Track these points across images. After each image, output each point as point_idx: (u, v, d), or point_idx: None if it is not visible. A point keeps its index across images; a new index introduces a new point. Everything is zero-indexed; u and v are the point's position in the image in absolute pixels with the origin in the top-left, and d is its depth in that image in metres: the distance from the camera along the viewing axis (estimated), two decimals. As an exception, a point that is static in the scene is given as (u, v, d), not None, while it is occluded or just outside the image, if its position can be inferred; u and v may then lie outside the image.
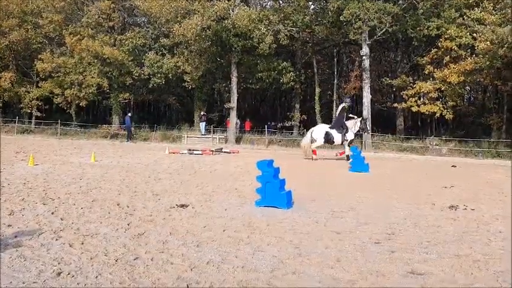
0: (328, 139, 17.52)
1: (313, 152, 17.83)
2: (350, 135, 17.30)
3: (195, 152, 19.39)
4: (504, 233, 6.12)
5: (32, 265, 4.27)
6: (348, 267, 4.53)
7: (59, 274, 4.06)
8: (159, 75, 30.09)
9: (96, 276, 4.04)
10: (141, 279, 4.02)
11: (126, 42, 30.70)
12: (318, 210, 7.40)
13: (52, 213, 6.58)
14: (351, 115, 18.01)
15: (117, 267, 4.30)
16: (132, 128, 29.89)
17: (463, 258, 4.89)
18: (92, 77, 30.26)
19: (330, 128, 17.79)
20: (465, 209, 7.85)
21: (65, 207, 7.04)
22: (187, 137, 29.41)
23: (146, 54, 30.63)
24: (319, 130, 18.00)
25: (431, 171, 15.06)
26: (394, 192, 9.71)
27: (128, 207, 7.25)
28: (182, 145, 26.11)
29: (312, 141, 17.80)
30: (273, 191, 7.46)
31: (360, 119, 17.84)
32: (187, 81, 29.82)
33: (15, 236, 5.23)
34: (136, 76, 30.83)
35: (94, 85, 30.37)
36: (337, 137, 17.31)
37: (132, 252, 4.81)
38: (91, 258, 4.54)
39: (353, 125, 17.39)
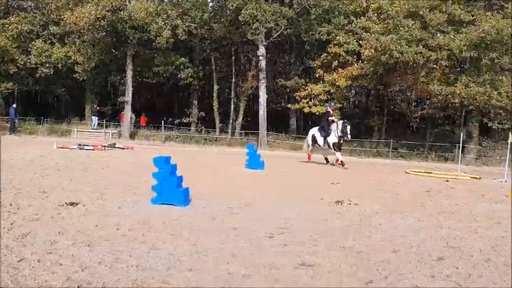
0: (314, 141, 17.25)
1: (308, 157, 17.84)
2: (332, 139, 16.43)
3: (85, 147, 18.41)
4: (383, 225, 6.73)
5: None
6: (243, 261, 4.67)
7: None
8: (47, 64, 28.00)
9: (-26, 282, 3.70)
10: (26, 282, 3.76)
11: (10, 27, 28.05)
12: (215, 207, 7.49)
13: None
14: (331, 118, 17.18)
15: (-1, 271, 3.98)
16: (16, 120, 27.51)
17: (348, 249, 5.30)
18: (-32, 63, 27.28)
19: (317, 130, 17.40)
20: (349, 204, 8.46)
21: None
22: (77, 131, 27.83)
23: (33, 42, 28.30)
24: (309, 133, 17.81)
25: (320, 168, 15.97)
26: (287, 189, 10.15)
27: (10, 205, 6.69)
28: (72, 140, 24.66)
29: (308, 145, 17.74)
30: (170, 188, 7.38)
31: (341, 122, 16.86)
32: (79, 72, 28.17)
33: None
34: (21, 65, 28.36)
35: (-29, 72, 27.41)
36: (319, 140, 16.89)
37: (16, 253, 4.47)
38: (-33, 263, 4.14)
39: (336, 127, 16.53)
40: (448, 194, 10.44)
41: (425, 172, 15.51)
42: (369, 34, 23.91)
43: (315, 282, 4.15)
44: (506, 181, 13.46)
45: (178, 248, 5.05)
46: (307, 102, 28.11)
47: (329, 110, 17.80)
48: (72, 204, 7.01)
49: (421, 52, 21.73)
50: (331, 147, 16.50)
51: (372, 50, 23.98)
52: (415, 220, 7.20)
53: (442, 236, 6.16)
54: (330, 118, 17.05)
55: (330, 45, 26.71)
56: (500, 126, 22.99)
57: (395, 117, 32.69)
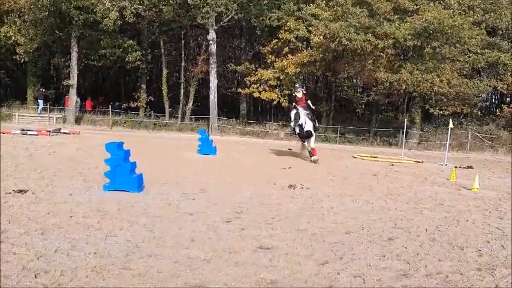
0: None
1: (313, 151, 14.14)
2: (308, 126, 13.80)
3: (29, 133, 17.62)
4: (334, 208, 6.98)
5: None
6: (202, 246, 4.73)
7: None
8: (-16, 45, 26.39)
9: None
10: (-21, 273, 3.64)
11: None
12: (170, 192, 7.47)
13: None
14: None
15: None
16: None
17: (303, 232, 5.48)
18: None
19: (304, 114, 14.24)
20: (302, 188, 8.69)
21: None
22: (19, 115, 26.53)
23: (-31, 21, 26.53)
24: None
25: (272, 153, 16.19)
26: (240, 174, 10.25)
27: (-48, 194, 6.37)
28: (13, 124, 23.50)
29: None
30: (123, 174, 7.28)
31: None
32: (20, 54, 26.71)
33: None
34: (-46, 45, 26.56)
35: None
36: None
37: (-36, 244, 4.30)
38: None
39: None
40: (394, 178, 10.94)
41: (371, 156, 16.11)
42: (318, 21, 24.23)
43: (274, 264, 4.28)
44: (446, 165, 14.23)
45: (136, 234, 5.03)
46: (257, 88, 28.21)
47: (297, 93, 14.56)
48: (20, 191, 6.76)
49: (369, 40, 22.31)
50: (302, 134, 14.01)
51: (321, 37, 24.34)
52: (364, 203, 7.52)
53: (391, 218, 6.49)
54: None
55: (281, 31, 26.85)
56: (441, 112, 24.12)
57: (342, 104, 33.50)
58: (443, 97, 23.80)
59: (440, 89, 22.46)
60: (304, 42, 27.55)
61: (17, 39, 26.22)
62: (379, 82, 24.30)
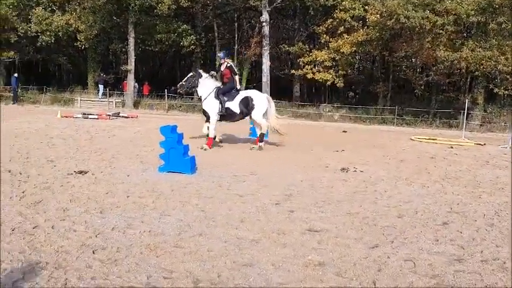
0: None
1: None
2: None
3: (90, 116, 18.46)
4: (388, 192, 6.81)
5: None
6: (251, 227, 4.78)
7: None
8: (48, 33, 27.65)
9: (-8, 248, 3.82)
10: (42, 248, 3.88)
11: (9, -5, 27.66)
12: (221, 174, 7.58)
13: None
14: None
15: (15, 237, 4.11)
16: (18, 90, 27.51)
17: (354, 215, 5.40)
18: (-30, 32, 27.05)
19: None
20: (355, 171, 8.54)
21: None
22: (80, 100, 27.77)
23: (33, 10, 27.90)
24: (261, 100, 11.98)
25: (325, 136, 16.00)
26: (291, 156, 10.21)
27: (20, 174, 6.81)
28: (75, 109, 24.69)
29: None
30: (177, 156, 7.47)
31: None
32: (80, 41, 27.84)
33: None
34: (22, 33, 28.06)
35: (-28, 41, 27.24)
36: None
37: (30, 220, 4.60)
38: (-16, 229, 4.26)
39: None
40: (453, 160, 10.51)
41: (429, 139, 15.53)
42: (374, -1, 23.49)
43: (323, 247, 4.26)
44: (510, 147, 13.48)
45: (188, 214, 5.16)
46: (311, 69, 27.83)
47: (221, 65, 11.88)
48: (81, 172, 7.11)
49: (427, 17, 21.34)
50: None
51: (378, 15, 23.57)
52: (419, 186, 7.29)
53: (447, 202, 6.26)
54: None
55: (336, 11, 26.24)
56: (506, 92, 22.79)
57: (401, 84, 32.43)
58: (508, 76, 22.42)
59: (505, 68, 21.17)
60: (360, 21, 26.78)
61: (78, 26, 27.30)
62: (438, 61, 23.31)
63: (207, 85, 11.27)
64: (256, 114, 11.43)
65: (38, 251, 3.82)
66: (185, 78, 11.66)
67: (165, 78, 37.38)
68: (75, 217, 4.82)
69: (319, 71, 27.63)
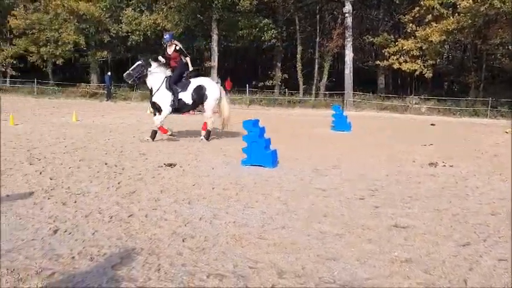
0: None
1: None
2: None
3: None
4: (480, 188, 6.41)
5: (27, 223, 4.34)
6: (335, 221, 4.73)
7: (55, 232, 4.14)
8: (137, 32, 29.38)
9: (93, 233, 4.14)
10: (137, 235, 4.14)
11: (103, -3, 29.71)
12: (303, 168, 7.58)
13: (40, 173, 6.59)
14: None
15: (113, 224, 4.42)
16: (111, 87, 29.47)
17: (443, 212, 5.15)
18: (68, 34, 29.46)
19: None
20: (444, 165, 8.14)
21: (52, 167, 7.05)
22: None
23: (124, 11, 29.74)
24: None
25: (411, 129, 15.38)
26: (376, 150, 9.95)
27: (116, 166, 7.30)
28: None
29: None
30: (259, 150, 7.59)
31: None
32: (167, 39, 29.15)
33: (7, 195, 5.27)
34: (114, 33, 30.04)
35: (70, 42, 29.62)
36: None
37: (125, 209, 4.92)
38: (86, 216, 4.63)
39: None
40: (556, 156, 9.62)
41: (528, 132, 14.35)
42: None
43: (409, 243, 4.12)
44: None
45: (270, 207, 5.23)
46: (397, 59, 26.81)
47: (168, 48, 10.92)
48: (170, 165, 7.47)
49: (526, 0, 19.72)
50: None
51: (470, 0, 22.12)
52: (516, 183, 6.78)
53: (548, 200, 5.75)
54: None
55: (423, -2, 25.05)
56: None
57: (495, 73, 30.28)
58: None
59: None
60: (450, 8, 25.33)
61: (164, 25, 28.62)
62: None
63: (157, 75, 10.46)
64: (209, 103, 10.84)
65: (134, 238, 4.09)
66: (133, 67, 10.69)
67: (246, 74, 38.01)
68: (166, 207, 5.08)
69: (405, 61, 26.56)
